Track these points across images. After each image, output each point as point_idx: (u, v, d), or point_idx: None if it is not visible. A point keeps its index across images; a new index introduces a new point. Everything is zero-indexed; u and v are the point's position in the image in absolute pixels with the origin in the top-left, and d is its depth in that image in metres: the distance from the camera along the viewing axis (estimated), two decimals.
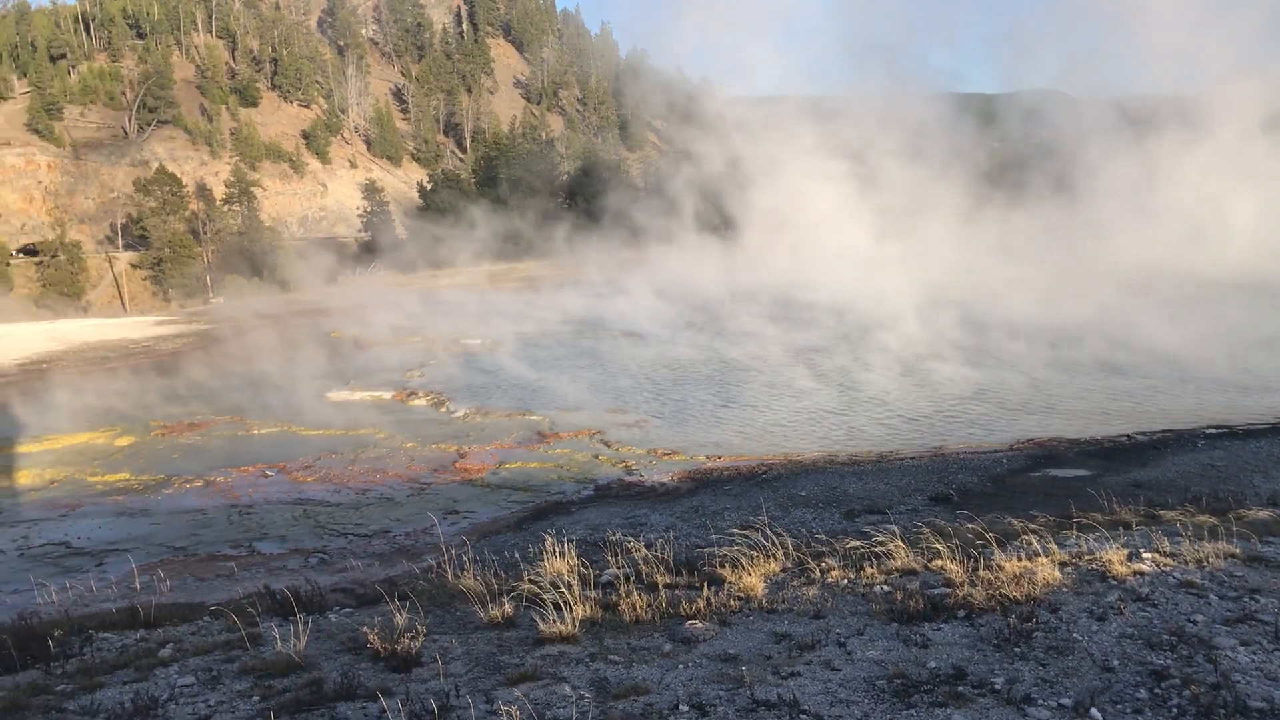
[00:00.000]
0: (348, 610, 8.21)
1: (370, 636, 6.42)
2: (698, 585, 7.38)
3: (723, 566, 7.79)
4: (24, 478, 20.23)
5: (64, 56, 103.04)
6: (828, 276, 40.10)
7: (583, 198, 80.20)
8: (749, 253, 52.32)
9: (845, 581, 7.27)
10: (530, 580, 7.32)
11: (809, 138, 49.50)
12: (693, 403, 24.87)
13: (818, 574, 7.51)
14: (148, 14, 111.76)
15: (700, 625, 6.34)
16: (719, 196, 55.73)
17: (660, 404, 24.96)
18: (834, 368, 28.12)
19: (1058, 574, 6.66)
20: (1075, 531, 8.41)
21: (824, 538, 9.29)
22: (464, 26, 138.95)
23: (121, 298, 71.02)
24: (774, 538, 8.20)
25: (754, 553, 7.88)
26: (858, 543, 8.14)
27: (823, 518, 14.16)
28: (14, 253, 73.04)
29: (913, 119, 48.92)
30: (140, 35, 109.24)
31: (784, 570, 7.83)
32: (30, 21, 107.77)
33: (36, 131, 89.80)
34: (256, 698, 5.82)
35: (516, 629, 6.77)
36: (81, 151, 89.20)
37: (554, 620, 6.44)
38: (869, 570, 7.47)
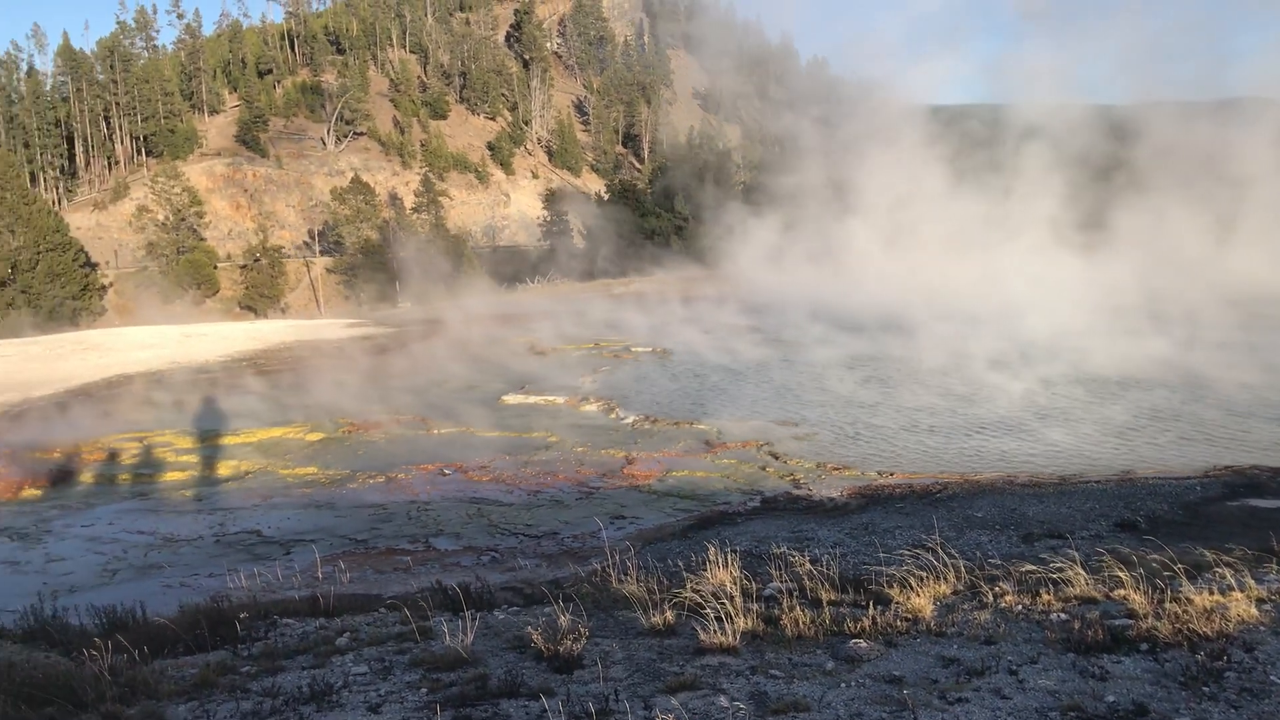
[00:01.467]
0: (514, 609, 8.38)
1: (534, 636, 6.52)
2: (863, 604, 7.21)
3: (890, 586, 7.58)
4: (223, 468, 21.52)
5: (270, 72, 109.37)
6: (1020, 291, 38.68)
7: (758, 207, 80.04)
8: (931, 265, 51.03)
9: (1019, 607, 6.97)
10: (692, 589, 7.30)
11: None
12: (865, 417, 24.41)
13: (990, 598, 7.23)
14: (347, 31, 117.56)
15: (865, 644, 6.19)
16: (901, 206, 54.63)
17: (831, 417, 24.59)
18: (1020, 388, 27.08)
19: (1254, 610, 6.21)
20: (1276, 567, 7.84)
21: (998, 561, 8.96)
22: (645, 39, 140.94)
23: (317, 300, 74.74)
24: (945, 559, 7.94)
25: (923, 573, 7.64)
26: (1034, 568, 7.80)
27: (999, 541, 13.63)
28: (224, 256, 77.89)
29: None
30: (340, 51, 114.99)
31: (955, 593, 7.57)
32: (241, 39, 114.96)
33: (244, 142, 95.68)
34: (424, 690, 5.98)
35: (677, 637, 6.76)
36: (284, 161, 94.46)
37: (715, 630, 6.40)
38: (1045, 596, 7.14)
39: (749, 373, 31.48)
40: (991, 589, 7.44)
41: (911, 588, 7.36)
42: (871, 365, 31.64)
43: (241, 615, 8.33)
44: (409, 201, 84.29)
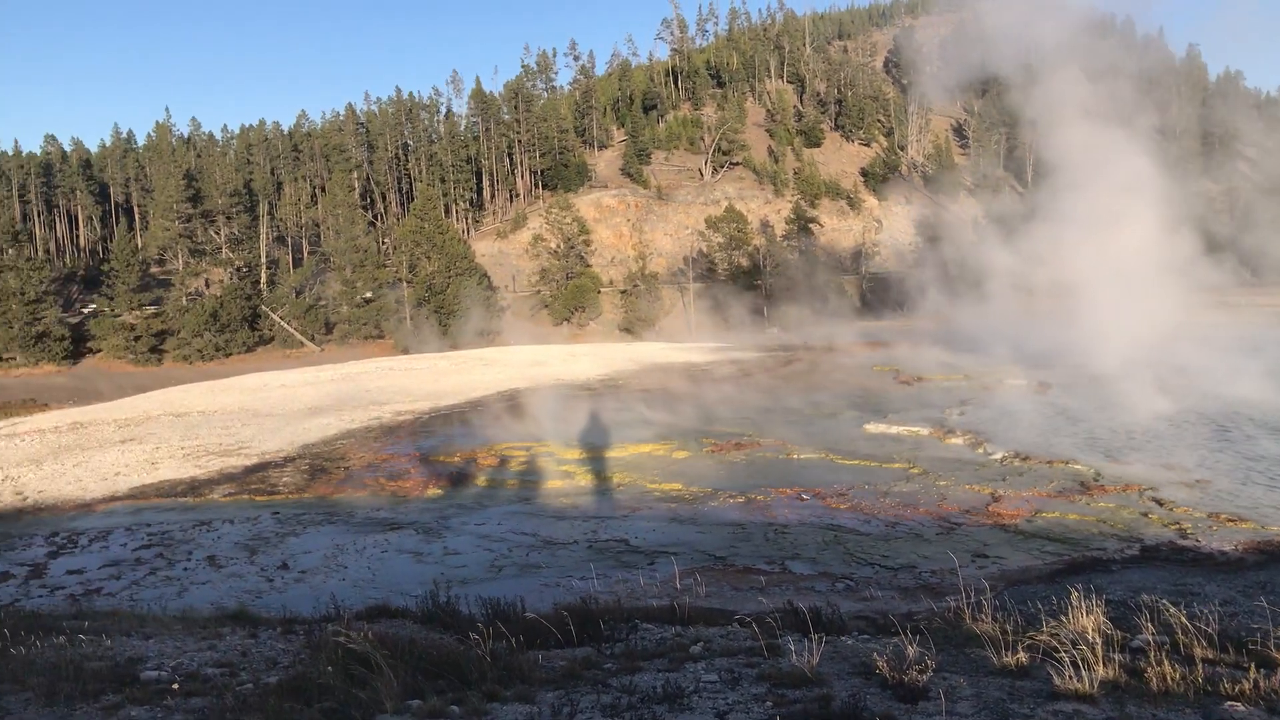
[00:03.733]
0: (864, 637, 8.38)
1: (879, 663, 6.53)
2: (1245, 665, 6.59)
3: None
4: (597, 479, 22.95)
5: (655, 107, 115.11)
6: None
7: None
8: None
9: None
10: (1049, 632, 6.99)
11: None
12: (1274, 469, 21.87)
13: None
14: (727, 64, 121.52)
15: (1242, 708, 5.67)
16: None
17: (1230, 464, 22.28)
18: None
19: None
20: None
21: None
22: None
23: (689, 325, 77.62)
24: None
25: None
26: None
27: None
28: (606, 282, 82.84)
29: None
30: (719, 84, 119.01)
31: None
32: (630, 77, 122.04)
33: (629, 175, 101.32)
34: (769, 703, 6.16)
35: (1029, 679, 6.51)
36: (664, 192, 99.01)
37: (1071, 676, 6.10)
38: None
39: (1130, 408, 29.07)
40: None
41: None
42: None
43: (606, 617, 8.94)
44: (780, 229, 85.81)
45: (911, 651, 6.72)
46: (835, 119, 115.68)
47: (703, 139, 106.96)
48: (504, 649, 7.72)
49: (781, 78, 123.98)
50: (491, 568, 15.92)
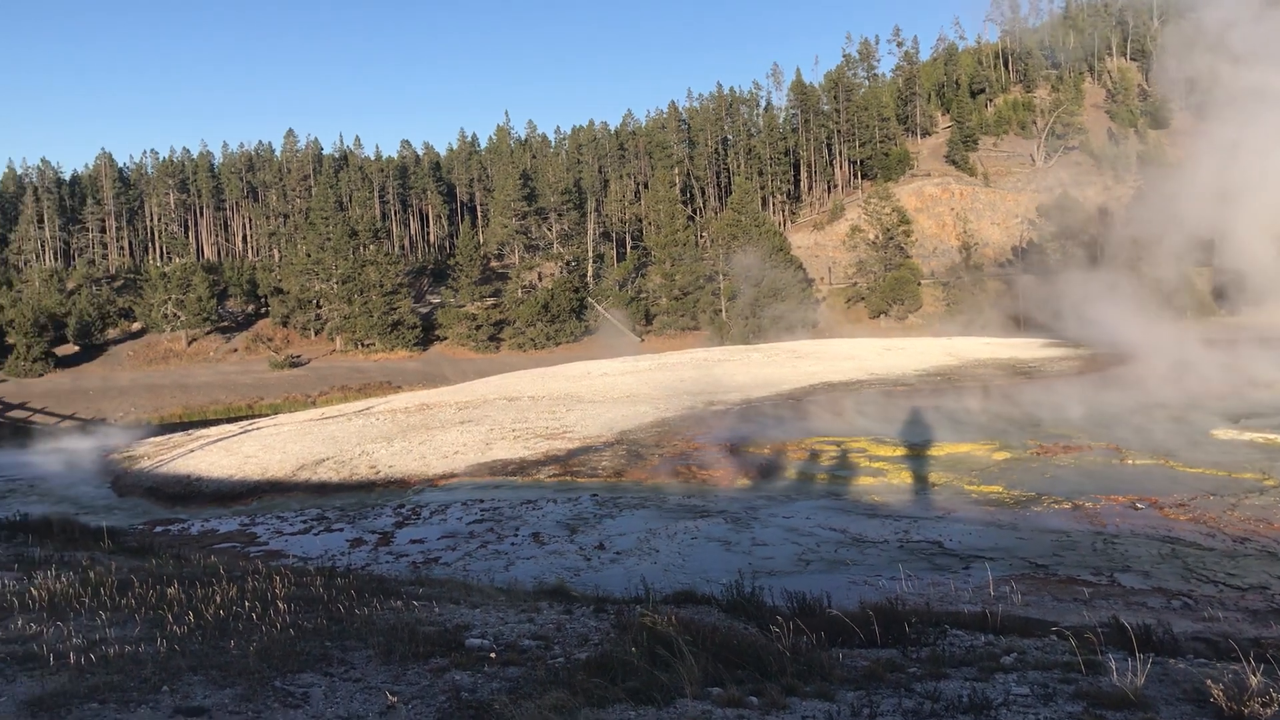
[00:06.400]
0: (1199, 661, 7.66)
1: (1214, 691, 5.94)
2: None
3: None
4: (911, 478, 22.35)
5: (983, 91, 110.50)
6: None
7: None
8: None
9: None
10: None
11: None
12: None
13: None
14: (1063, 43, 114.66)
15: None
16: None
17: None
18: None
19: None
20: None
21: None
22: None
23: (1016, 319, 74.01)
24: None
25: None
26: None
27: None
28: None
29: None
30: (1054, 65, 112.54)
31: None
32: (956, 61, 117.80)
33: (953, 162, 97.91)
34: None
35: None
36: (991, 179, 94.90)
37: None
38: None
39: None
40: None
41: None
42: None
43: (912, 619, 8.68)
44: (1121, 217, 79.98)
45: (1255, 681, 6.07)
46: (1188, 97, 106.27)
47: (1034, 122, 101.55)
48: (806, 644, 7.68)
49: (1124, 55, 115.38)
50: (798, 561, 15.88)
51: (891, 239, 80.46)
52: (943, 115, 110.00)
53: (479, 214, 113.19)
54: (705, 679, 6.53)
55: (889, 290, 78.19)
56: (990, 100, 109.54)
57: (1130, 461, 22.81)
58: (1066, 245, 75.56)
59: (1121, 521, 17.70)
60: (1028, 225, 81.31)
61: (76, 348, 73.79)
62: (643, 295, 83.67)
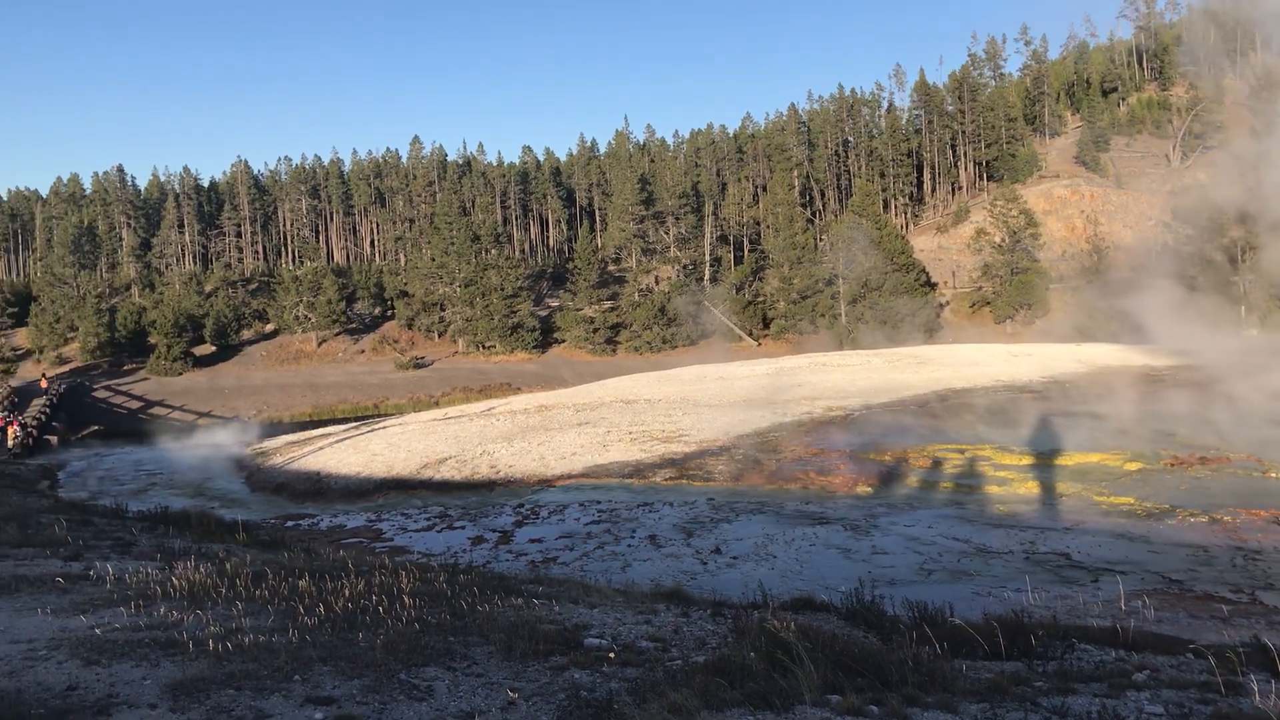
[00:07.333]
0: None
1: None
2: None
3: None
4: (1039, 488, 21.73)
5: (1115, 89, 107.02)
6: None
7: None
8: None
9: None
10: None
11: None
12: None
13: None
14: (1203, 38, 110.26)
15: None
16: None
17: None
18: None
19: None
20: None
21: None
22: None
23: (1149, 325, 71.26)
24: None
25: None
26: None
27: None
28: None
29: None
30: (1193, 61, 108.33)
31: None
32: (1087, 60, 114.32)
33: (1083, 163, 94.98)
34: None
35: None
36: (1124, 180, 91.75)
37: None
38: None
39: None
40: None
41: None
42: None
43: (1039, 632, 8.45)
44: (1263, 220, 76.41)
45: None
46: None
47: (1170, 121, 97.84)
48: (927, 654, 7.55)
49: (1270, 49, 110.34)
50: (919, 571, 15.59)
51: (1018, 242, 78.37)
52: (1072, 115, 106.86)
53: (597, 218, 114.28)
54: (824, 686, 6.48)
55: (1015, 294, 76.17)
56: (1123, 99, 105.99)
57: (1273, 475, 21.75)
58: (1205, 249, 72.43)
59: (1264, 537, 16.89)
60: (1163, 228, 78.20)
61: (213, 348, 77.01)
62: (760, 299, 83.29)
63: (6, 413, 49.15)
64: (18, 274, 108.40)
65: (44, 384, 61.11)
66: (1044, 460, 24.25)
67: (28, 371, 70.12)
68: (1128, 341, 58.93)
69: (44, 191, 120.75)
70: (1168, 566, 15.29)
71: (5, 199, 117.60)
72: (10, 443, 44.00)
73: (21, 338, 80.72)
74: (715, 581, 14.75)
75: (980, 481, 22.60)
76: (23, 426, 46.32)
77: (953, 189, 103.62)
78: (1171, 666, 7.64)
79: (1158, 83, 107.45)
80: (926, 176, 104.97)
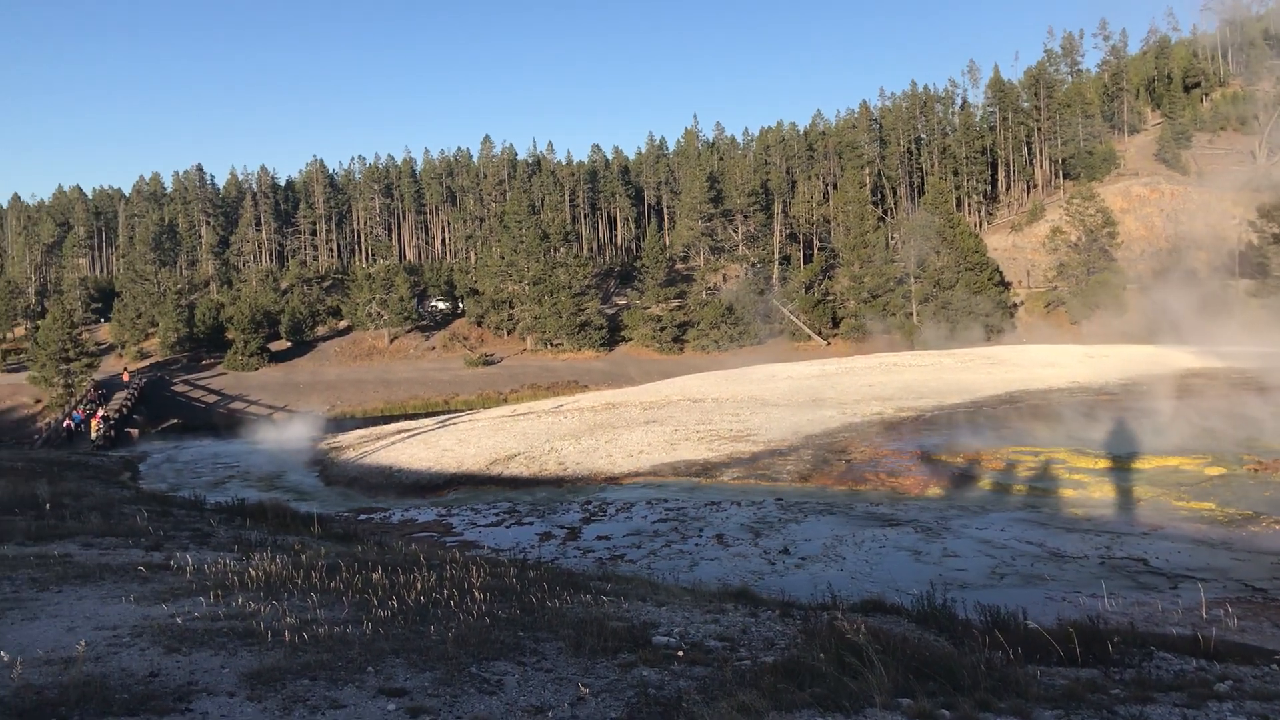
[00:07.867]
0: None
1: None
2: None
3: None
4: (1115, 492, 21.26)
5: (1197, 85, 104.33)
6: None
7: None
8: None
9: None
10: None
11: None
12: None
13: None
14: None
15: None
16: None
17: None
18: None
19: None
20: None
21: None
22: None
23: (1232, 327, 69.39)
24: None
25: None
26: None
27: None
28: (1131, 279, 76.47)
29: None
30: None
31: None
32: (1168, 55, 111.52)
33: (1163, 161, 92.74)
34: None
35: None
36: (1206, 178, 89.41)
37: None
38: None
39: None
40: None
41: None
42: None
43: (1115, 638, 8.28)
44: None
45: None
46: None
47: (1256, 117, 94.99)
48: (1000, 659, 7.45)
49: None
50: (992, 574, 15.35)
51: (1095, 241, 76.74)
52: (1152, 112, 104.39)
53: (665, 216, 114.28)
54: (895, 689, 6.41)
55: (1091, 294, 74.56)
56: (1206, 95, 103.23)
57: None
58: None
59: None
60: (1247, 227, 75.93)
61: (288, 344, 78.51)
62: (829, 297, 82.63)
63: (91, 405, 50.66)
64: (102, 270, 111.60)
65: (126, 378, 62.92)
66: (1121, 464, 23.73)
67: (110, 365, 72.08)
68: (1207, 344, 57.43)
69: (127, 190, 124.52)
70: (1251, 574, 14.87)
71: (90, 197, 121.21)
72: (94, 435, 45.34)
73: (105, 332, 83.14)
74: (783, 582, 14.67)
75: (1055, 485, 22.19)
76: (105, 419, 47.69)
77: (1028, 187, 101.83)
78: (1255, 677, 7.45)
79: (1243, 78, 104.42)
80: (1001, 174, 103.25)
